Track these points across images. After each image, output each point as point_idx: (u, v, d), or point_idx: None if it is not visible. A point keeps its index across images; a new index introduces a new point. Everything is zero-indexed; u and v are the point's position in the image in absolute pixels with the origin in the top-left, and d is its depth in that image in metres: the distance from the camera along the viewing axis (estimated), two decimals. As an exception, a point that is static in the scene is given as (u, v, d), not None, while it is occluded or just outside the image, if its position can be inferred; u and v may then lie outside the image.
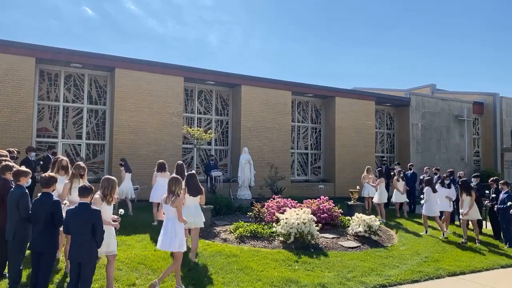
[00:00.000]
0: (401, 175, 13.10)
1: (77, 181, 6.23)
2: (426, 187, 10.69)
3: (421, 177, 13.79)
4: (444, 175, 11.96)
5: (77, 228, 4.89)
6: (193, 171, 7.93)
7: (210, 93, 16.51)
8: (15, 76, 12.05)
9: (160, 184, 9.19)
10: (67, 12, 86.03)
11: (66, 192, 6.14)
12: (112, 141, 13.63)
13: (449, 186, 11.27)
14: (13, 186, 5.63)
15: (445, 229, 10.57)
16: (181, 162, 9.05)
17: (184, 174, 8.27)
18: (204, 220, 7.28)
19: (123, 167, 11.21)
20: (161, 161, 9.85)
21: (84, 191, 5.05)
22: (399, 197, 12.96)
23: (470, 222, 10.28)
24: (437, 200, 10.68)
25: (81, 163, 6.60)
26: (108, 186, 5.31)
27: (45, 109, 13.48)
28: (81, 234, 4.87)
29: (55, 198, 5.26)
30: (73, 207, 5.10)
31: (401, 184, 12.94)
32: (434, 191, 10.65)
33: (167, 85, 14.44)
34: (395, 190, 13.02)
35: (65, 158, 7.07)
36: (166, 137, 14.26)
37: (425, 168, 14.54)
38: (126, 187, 10.93)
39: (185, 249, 5.90)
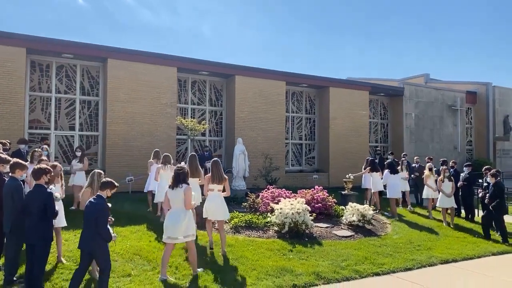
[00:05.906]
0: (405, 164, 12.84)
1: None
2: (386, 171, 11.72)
3: (413, 165, 13.87)
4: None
5: (86, 220, 5.00)
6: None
7: (203, 83, 16.41)
8: (5, 67, 11.86)
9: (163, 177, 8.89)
10: (59, 3, 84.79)
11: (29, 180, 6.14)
12: (105, 132, 13.53)
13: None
14: (7, 179, 5.60)
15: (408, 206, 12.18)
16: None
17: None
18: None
19: None
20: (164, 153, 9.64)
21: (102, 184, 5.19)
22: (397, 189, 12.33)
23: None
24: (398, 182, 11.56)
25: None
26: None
27: (37, 100, 13.33)
28: (88, 225, 4.96)
29: (48, 190, 5.24)
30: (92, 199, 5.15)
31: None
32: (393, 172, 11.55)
33: (160, 75, 14.30)
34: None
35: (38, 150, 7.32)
36: (159, 128, 14.18)
37: (415, 158, 14.59)
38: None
39: None
